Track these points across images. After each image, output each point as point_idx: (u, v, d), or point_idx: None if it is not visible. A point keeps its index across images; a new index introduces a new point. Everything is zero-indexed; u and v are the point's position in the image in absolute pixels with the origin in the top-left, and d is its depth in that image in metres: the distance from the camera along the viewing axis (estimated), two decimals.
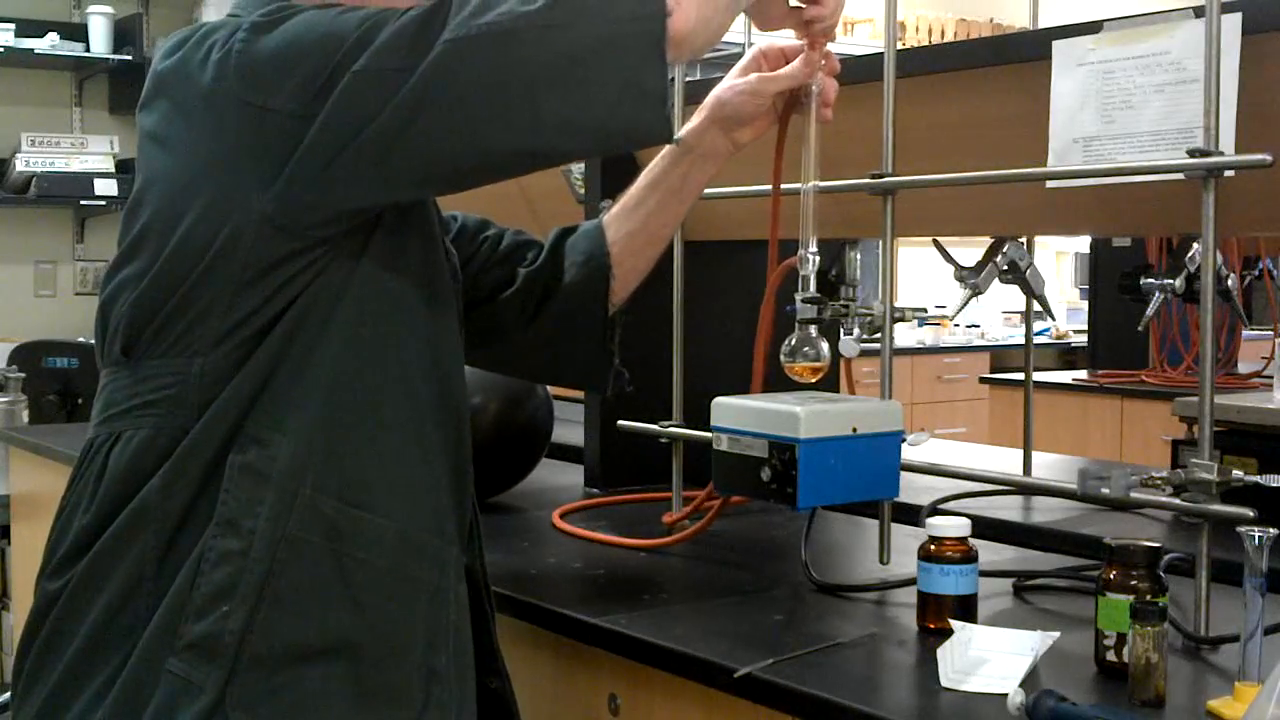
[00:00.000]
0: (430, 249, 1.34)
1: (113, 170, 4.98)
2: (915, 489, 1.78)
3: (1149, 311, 2.07)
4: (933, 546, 1.43)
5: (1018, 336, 6.35)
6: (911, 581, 1.47)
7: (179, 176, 1.23)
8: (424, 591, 1.28)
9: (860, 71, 1.65)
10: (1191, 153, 1.36)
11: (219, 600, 1.19)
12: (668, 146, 1.51)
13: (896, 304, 1.65)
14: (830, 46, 1.48)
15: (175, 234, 1.21)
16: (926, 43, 6.70)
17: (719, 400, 1.55)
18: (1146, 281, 2.06)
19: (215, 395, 1.21)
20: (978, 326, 7.00)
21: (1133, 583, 1.28)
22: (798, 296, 1.53)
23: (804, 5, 1.43)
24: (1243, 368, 3.63)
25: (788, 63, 1.49)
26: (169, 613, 1.19)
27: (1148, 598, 1.24)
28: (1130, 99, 1.47)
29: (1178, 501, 1.41)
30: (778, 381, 1.60)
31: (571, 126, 1.20)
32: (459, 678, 1.30)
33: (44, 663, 1.25)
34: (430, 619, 1.28)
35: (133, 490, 1.22)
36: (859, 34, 6.65)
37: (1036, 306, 2.01)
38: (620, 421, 2.07)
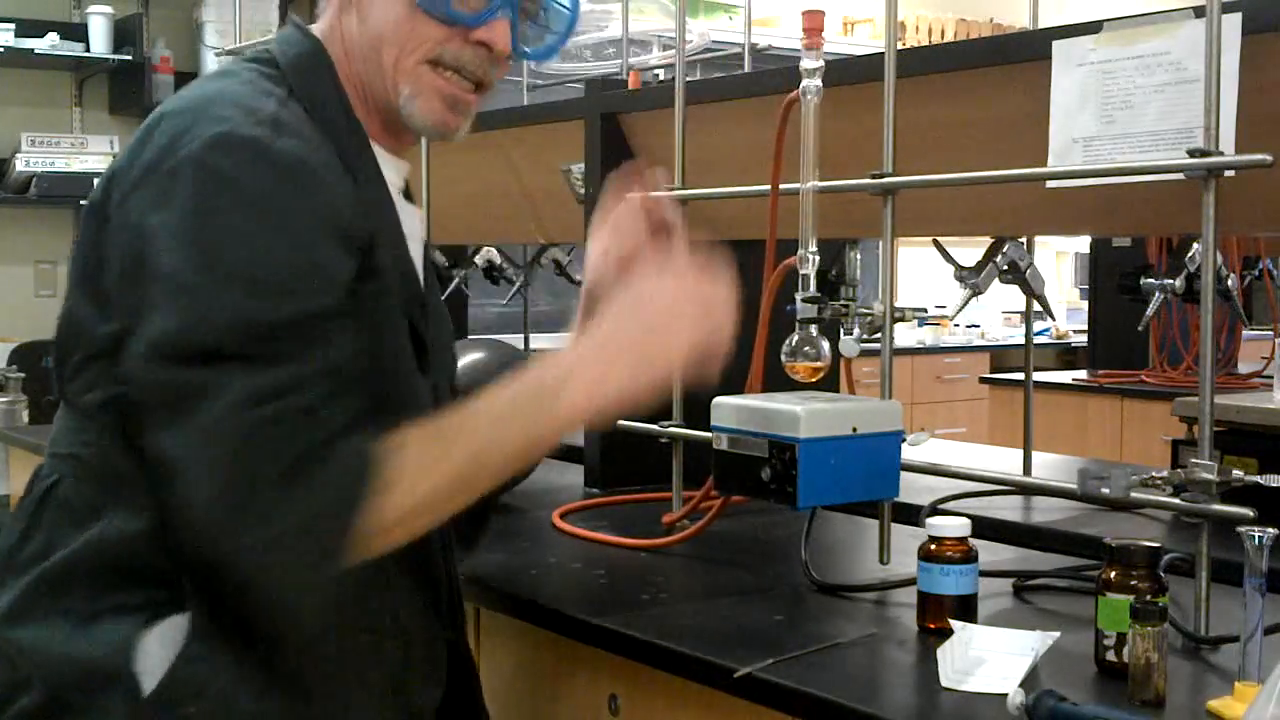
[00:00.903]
0: (396, 350, 1.27)
1: None
2: (915, 489, 1.78)
3: (1149, 311, 2.07)
4: (933, 546, 1.43)
5: (1018, 336, 6.35)
6: (911, 581, 1.47)
7: (74, 274, 1.22)
8: (387, 689, 1.26)
9: (860, 71, 1.65)
10: (1191, 153, 1.36)
11: (184, 701, 1.13)
12: None
13: (896, 304, 1.65)
14: (830, 47, 1.48)
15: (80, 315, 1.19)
16: (926, 43, 6.70)
17: (719, 400, 1.55)
18: (1146, 281, 2.06)
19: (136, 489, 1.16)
20: (978, 326, 7.00)
21: (1133, 583, 1.28)
22: (798, 296, 1.53)
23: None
24: (1243, 368, 3.63)
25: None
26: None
27: (1148, 598, 1.24)
28: (1130, 99, 1.47)
29: (1178, 501, 1.41)
30: (778, 381, 1.61)
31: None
32: None
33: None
34: (392, 709, 1.27)
35: (70, 536, 1.18)
36: (859, 34, 6.66)
37: (1036, 306, 2.01)
38: (620, 421, 2.07)
